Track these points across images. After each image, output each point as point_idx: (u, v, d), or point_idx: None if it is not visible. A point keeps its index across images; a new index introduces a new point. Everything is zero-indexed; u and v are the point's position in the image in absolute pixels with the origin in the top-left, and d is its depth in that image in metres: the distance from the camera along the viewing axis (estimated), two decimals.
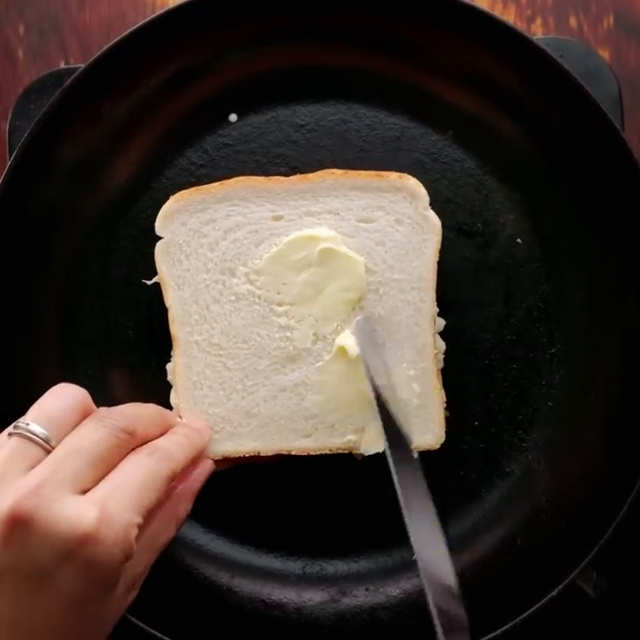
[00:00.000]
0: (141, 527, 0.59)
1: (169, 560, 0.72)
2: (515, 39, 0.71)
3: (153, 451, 0.60)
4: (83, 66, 0.71)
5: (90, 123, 0.73)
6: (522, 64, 0.71)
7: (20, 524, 0.52)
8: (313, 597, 0.72)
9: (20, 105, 0.77)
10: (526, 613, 0.67)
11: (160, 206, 0.71)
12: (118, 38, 0.71)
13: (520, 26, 0.79)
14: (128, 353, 0.74)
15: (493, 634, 0.67)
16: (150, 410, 0.64)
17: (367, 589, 0.72)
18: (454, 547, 0.72)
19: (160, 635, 0.67)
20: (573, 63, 0.72)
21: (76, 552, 0.52)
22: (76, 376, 0.73)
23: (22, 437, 0.56)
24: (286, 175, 0.71)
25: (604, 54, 0.80)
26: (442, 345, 0.70)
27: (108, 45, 0.71)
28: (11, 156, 0.73)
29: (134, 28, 0.71)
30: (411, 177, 0.70)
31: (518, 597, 0.68)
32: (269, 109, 0.75)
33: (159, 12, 0.71)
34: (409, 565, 0.72)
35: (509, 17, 0.81)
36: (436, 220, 0.69)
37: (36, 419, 0.57)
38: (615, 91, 0.75)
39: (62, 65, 0.82)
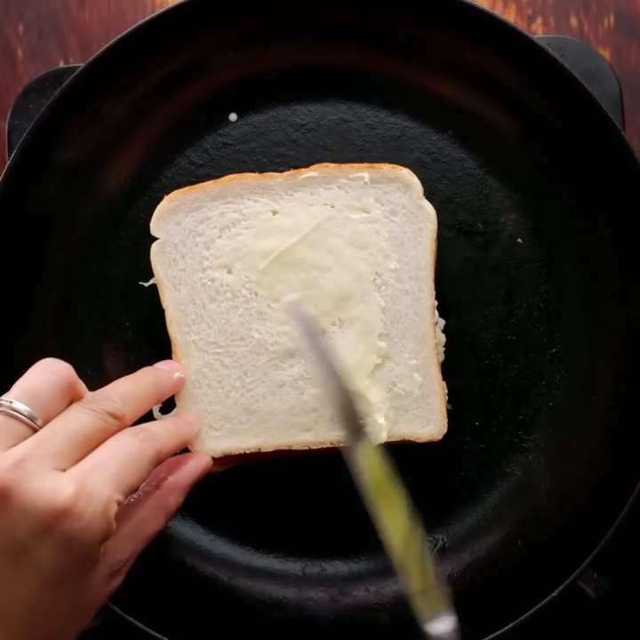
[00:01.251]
0: (129, 514, 0.59)
1: (169, 561, 0.72)
2: (515, 38, 0.70)
3: (138, 431, 0.59)
4: (82, 65, 0.71)
5: (89, 122, 0.73)
6: (522, 63, 0.71)
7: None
8: (313, 598, 0.72)
9: (20, 104, 0.77)
10: (527, 614, 0.67)
11: None
12: (118, 37, 0.71)
13: (520, 25, 0.79)
14: (127, 353, 0.74)
15: (494, 634, 0.66)
16: (145, 383, 0.64)
17: (367, 590, 0.72)
18: (455, 547, 0.72)
19: (159, 635, 0.67)
20: (574, 62, 0.72)
21: (53, 526, 0.52)
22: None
23: (6, 415, 0.56)
24: None
25: (605, 54, 0.80)
26: (442, 337, 0.70)
27: (108, 45, 0.71)
28: (10, 155, 0.72)
29: (134, 27, 0.71)
30: (403, 167, 0.70)
31: (519, 598, 0.68)
32: (269, 109, 0.75)
33: (159, 11, 0.71)
34: None
35: (510, 16, 0.81)
36: (430, 209, 0.69)
37: (19, 396, 0.57)
38: (616, 90, 0.75)
39: (62, 64, 0.82)
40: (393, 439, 0.68)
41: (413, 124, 0.75)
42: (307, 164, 0.71)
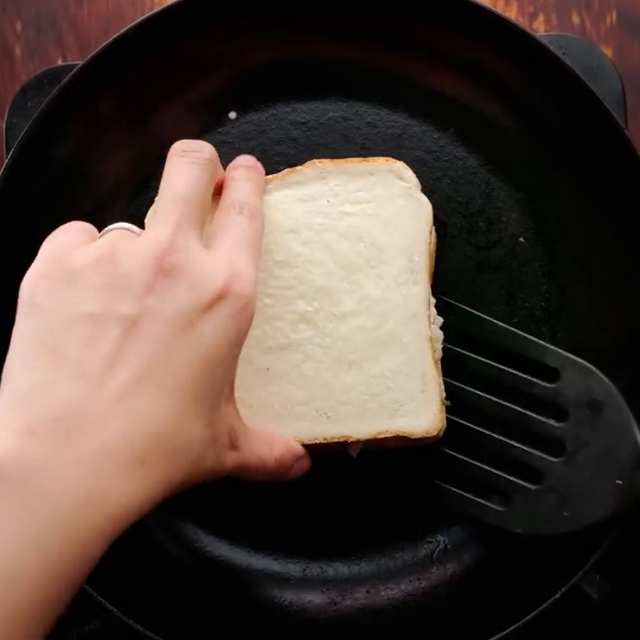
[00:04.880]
0: None
1: (167, 561, 0.71)
2: (517, 36, 0.70)
3: (241, 208, 0.61)
4: (80, 63, 0.70)
5: (88, 120, 0.72)
6: (524, 61, 0.71)
7: (164, 273, 0.53)
8: (313, 600, 0.72)
9: (18, 102, 0.76)
10: (529, 616, 0.66)
11: None
12: (116, 35, 0.70)
13: (522, 23, 0.79)
14: None
15: (497, 636, 0.66)
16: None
17: (368, 592, 0.72)
18: (456, 548, 0.72)
19: (157, 637, 0.67)
20: (576, 61, 0.72)
21: (214, 305, 0.53)
22: None
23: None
24: None
25: (607, 51, 0.80)
26: (439, 334, 0.69)
27: (106, 42, 0.70)
28: (8, 153, 0.72)
29: (132, 24, 0.71)
30: (397, 160, 0.69)
31: (521, 600, 0.67)
32: (269, 107, 0.75)
33: (157, 8, 0.71)
34: (410, 567, 0.72)
35: (511, 14, 0.81)
36: (425, 202, 0.69)
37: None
38: (618, 88, 0.74)
39: (60, 62, 0.82)
40: (387, 434, 0.67)
41: (414, 122, 0.75)
42: None
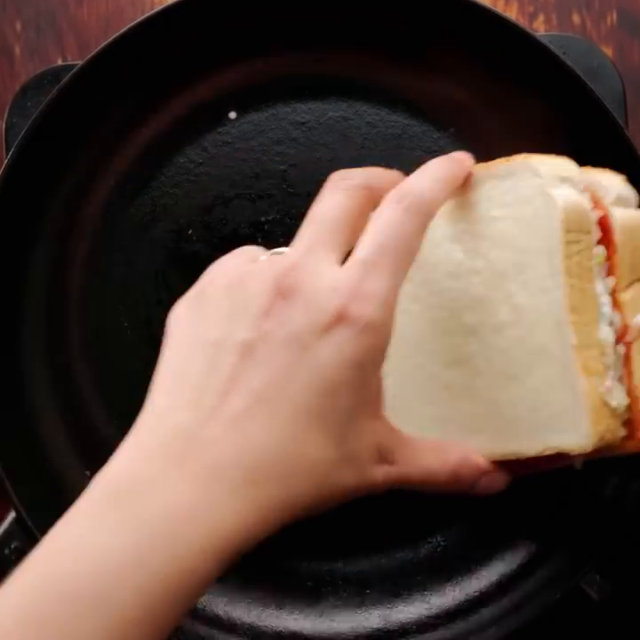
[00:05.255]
0: None
1: None
2: (517, 36, 0.70)
3: (402, 196, 0.54)
4: (80, 63, 0.70)
5: (87, 120, 0.72)
6: (524, 61, 0.71)
7: (282, 295, 0.51)
8: (313, 600, 0.71)
9: (18, 102, 0.76)
10: (529, 616, 0.66)
11: (158, 205, 0.70)
12: (116, 35, 0.70)
13: (522, 23, 0.79)
14: (126, 354, 0.74)
15: (497, 636, 0.66)
16: (385, 171, 0.60)
17: (368, 592, 0.72)
18: (456, 548, 0.72)
19: None
20: (576, 61, 0.71)
21: (332, 327, 0.50)
22: (71, 378, 0.72)
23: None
24: (286, 172, 0.72)
25: (608, 51, 0.80)
26: (609, 339, 0.61)
27: (106, 42, 0.70)
28: (8, 153, 0.72)
29: (132, 24, 0.71)
30: (533, 155, 0.63)
31: (521, 600, 0.67)
32: (269, 107, 0.75)
33: (158, 8, 0.71)
34: (410, 567, 0.72)
35: (511, 14, 0.80)
36: (558, 197, 0.61)
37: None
38: (619, 88, 0.74)
39: (60, 62, 0.82)
40: (548, 451, 0.60)
41: (414, 122, 0.75)
42: (307, 163, 0.71)
